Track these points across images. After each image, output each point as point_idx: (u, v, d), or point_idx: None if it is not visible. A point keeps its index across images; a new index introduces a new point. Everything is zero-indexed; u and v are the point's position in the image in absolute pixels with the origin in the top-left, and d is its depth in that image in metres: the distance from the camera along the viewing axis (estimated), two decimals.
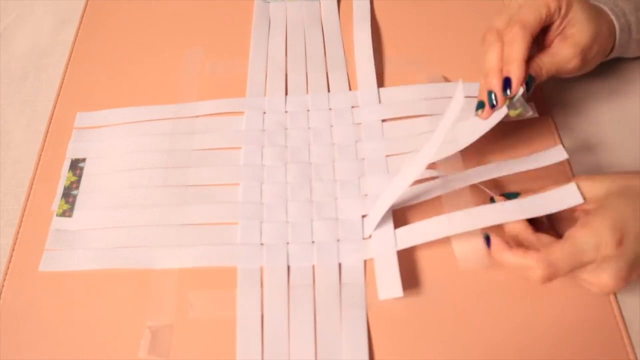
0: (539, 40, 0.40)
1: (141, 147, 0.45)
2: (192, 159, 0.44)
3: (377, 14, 0.54)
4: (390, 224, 0.39)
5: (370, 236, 0.39)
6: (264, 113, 0.46)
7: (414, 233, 0.38)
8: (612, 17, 0.41)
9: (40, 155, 0.46)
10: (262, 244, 0.40)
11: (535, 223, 0.37)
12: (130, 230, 0.41)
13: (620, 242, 0.32)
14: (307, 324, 0.36)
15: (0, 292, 0.39)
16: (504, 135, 0.43)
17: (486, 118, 0.39)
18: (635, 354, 0.35)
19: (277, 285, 0.38)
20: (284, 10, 0.54)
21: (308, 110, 0.47)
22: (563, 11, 0.38)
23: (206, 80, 0.49)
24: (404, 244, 0.38)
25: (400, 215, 0.40)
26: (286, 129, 0.45)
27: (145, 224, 0.41)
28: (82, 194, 0.43)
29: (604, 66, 0.47)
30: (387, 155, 0.43)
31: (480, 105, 0.39)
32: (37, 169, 0.45)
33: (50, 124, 0.48)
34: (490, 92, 0.38)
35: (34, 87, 0.51)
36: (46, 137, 0.47)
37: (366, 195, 0.41)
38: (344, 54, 0.50)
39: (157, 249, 0.40)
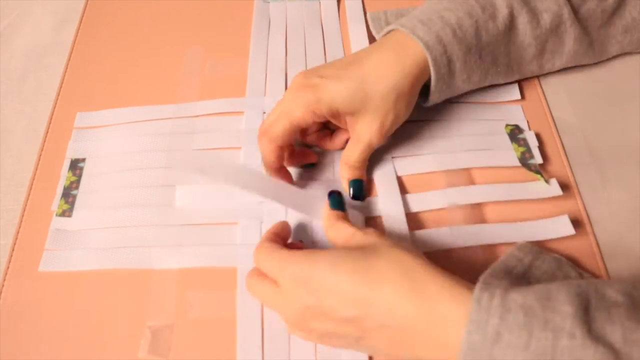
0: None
1: (141, 147, 0.45)
2: None
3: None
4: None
5: None
6: (264, 113, 0.46)
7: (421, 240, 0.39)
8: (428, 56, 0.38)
9: (40, 155, 0.46)
10: None
11: None
12: (130, 230, 0.41)
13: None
14: None
15: (0, 292, 0.39)
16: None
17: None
18: None
19: None
20: (284, 10, 0.54)
21: None
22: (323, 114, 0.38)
23: (206, 80, 0.49)
24: None
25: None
26: None
27: (145, 224, 0.41)
28: (82, 194, 0.43)
29: (604, 66, 0.47)
30: (392, 157, 0.43)
31: None
32: (37, 169, 0.45)
33: (50, 124, 0.48)
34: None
35: (34, 87, 0.51)
36: (46, 137, 0.47)
37: None
38: (344, 54, 0.50)
39: (157, 249, 0.40)
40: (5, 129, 0.49)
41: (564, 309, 0.27)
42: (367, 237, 0.33)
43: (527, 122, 0.45)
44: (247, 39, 0.52)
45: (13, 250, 0.41)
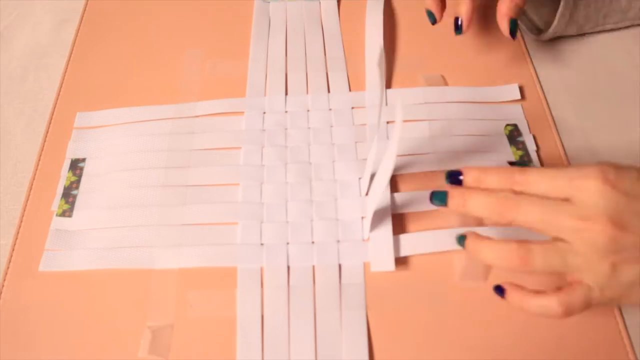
0: None
1: (141, 147, 0.45)
2: (192, 159, 0.44)
3: None
4: (389, 228, 0.39)
5: (368, 238, 0.39)
6: (264, 113, 0.46)
7: (416, 242, 0.39)
8: None
9: (40, 155, 0.46)
10: (262, 244, 0.40)
11: None
12: (130, 230, 0.41)
13: None
14: (307, 324, 0.36)
15: (0, 292, 0.39)
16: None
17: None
18: (635, 354, 0.35)
19: (277, 285, 0.38)
20: (284, 11, 0.54)
21: (308, 111, 0.47)
22: None
23: (206, 80, 0.49)
24: (404, 252, 0.39)
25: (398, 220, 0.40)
26: (286, 129, 0.45)
27: (145, 224, 0.41)
28: (82, 194, 0.43)
29: (604, 66, 0.48)
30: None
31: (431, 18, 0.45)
32: (37, 169, 0.45)
33: (50, 124, 0.48)
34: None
35: (34, 87, 0.51)
36: (46, 137, 0.47)
37: (366, 195, 0.41)
38: (344, 54, 0.50)
39: (157, 249, 0.40)
40: (5, 129, 0.49)
41: None
42: None
43: (527, 122, 0.45)
44: (247, 39, 0.52)
45: (13, 250, 0.41)
